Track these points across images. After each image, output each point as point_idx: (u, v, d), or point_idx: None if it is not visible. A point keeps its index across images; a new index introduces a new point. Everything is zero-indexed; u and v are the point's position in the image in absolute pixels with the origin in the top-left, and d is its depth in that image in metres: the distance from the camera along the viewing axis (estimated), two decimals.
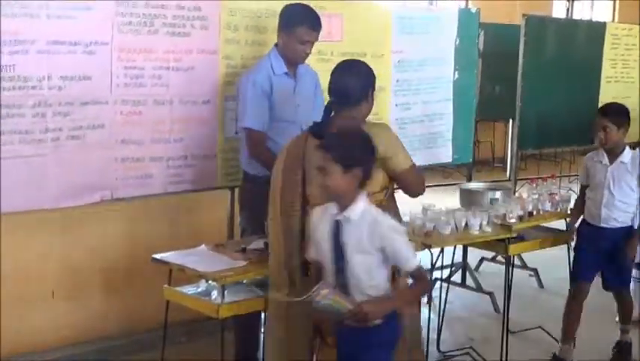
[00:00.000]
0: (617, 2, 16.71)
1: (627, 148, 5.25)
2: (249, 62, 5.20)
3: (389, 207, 3.94)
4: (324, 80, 5.05)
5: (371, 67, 4.12)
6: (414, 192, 4.11)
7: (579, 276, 5.50)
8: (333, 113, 4.04)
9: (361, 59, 4.31)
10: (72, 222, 5.11)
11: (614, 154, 5.24)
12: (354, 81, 3.99)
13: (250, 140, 4.76)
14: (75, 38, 4.46)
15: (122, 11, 4.65)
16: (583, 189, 5.55)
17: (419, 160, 6.53)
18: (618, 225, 5.29)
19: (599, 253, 5.38)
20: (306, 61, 4.95)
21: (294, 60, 4.83)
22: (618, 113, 5.25)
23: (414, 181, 4.06)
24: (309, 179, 3.93)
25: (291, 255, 3.99)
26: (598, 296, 5.79)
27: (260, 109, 4.72)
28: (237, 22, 5.18)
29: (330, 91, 4.05)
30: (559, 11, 15.77)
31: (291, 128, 4.69)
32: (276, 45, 4.86)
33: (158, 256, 4.32)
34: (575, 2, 16.30)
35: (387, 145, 3.86)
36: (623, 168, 5.22)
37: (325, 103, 4.13)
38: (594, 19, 15.21)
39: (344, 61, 4.21)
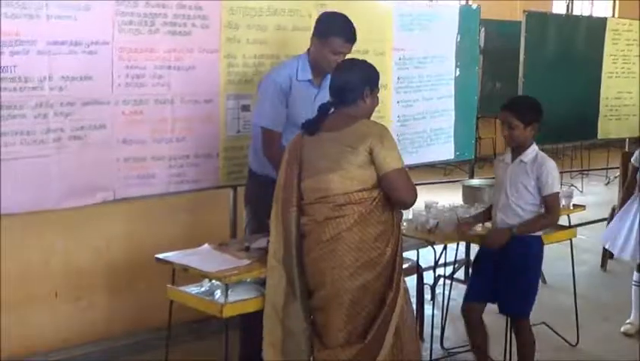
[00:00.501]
0: None
1: (533, 147, 4.73)
2: (250, 61, 5.19)
3: (370, 217, 3.90)
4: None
5: (373, 66, 4.12)
6: (401, 198, 3.94)
7: (467, 295, 4.95)
8: (332, 111, 4.05)
9: (363, 58, 4.30)
10: (74, 223, 5.09)
11: (517, 153, 4.74)
12: (349, 79, 4.01)
13: (265, 139, 4.72)
14: (76, 38, 4.44)
15: (122, 10, 4.63)
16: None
17: (420, 158, 6.59)
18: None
19: (495, 267, 4.78)
20: None
21: (322, 69, 4.73)
22: (526, 109, 4.73)
23: (401, 186, 3.91)
24: (304, 175, 3.98)
25: (289, 253, 4.02)
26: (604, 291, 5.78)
27: (277, 110, 4.68)
28: (238, 20, 5.15)
29: (329, 90, 4.09)
30: (559, 8, 15.75)
31: None
32: (308, 50, 4.78)
33: (161, 255, 4.30)
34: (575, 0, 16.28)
35: (376, 143, 3.84)
36: (522, 168, 4.69)
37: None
38: (594, 15, 15.19)
39: (345, 59, 4.23)
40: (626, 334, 5.89)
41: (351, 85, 4.00)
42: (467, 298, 4.91)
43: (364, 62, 4.16)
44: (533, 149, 4.72)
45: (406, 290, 4.19)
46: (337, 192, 3.88)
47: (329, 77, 4.72)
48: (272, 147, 4.68)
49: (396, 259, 3.99)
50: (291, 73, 4.74)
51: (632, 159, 5.96)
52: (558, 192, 4.71)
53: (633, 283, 5.90)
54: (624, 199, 5.92)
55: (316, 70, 4.76)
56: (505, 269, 4.69)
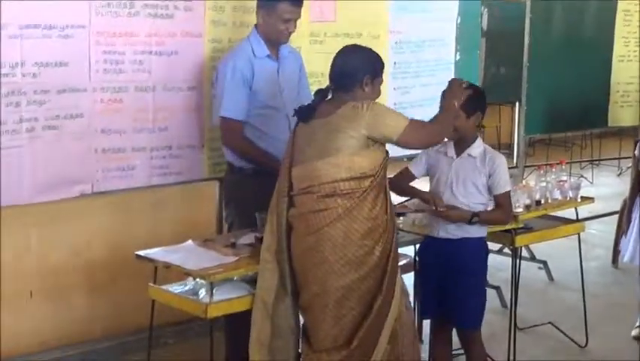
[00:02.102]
0: None
1: (479, 140, 4.58)
2: (236, 45, 5.18)
3: (357, 211, 3.91)
4: (320, 63, 5.08)
5: (377, 54, 4.15)
6: (426, 145, 4.30)
7: (423, 311, 4.79)
8: (329, 98, 4.08)
9: (356, 42, 4.34)
10: (50, 218, 5.10)
11: (462, 146, 4.55)
12: (349, 64, 4.05)
13: (224, 129, 4.76)
14: (50, 22, 4.44)
15: None
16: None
17: None
18: (459, 235, 4.53)
19: (440, 275, 4.60)
20: (300, 43, 4.94)
21: (276, 40, 4.79)
22: (468, 97, 4.41)
23: (417, 139, 4.09)
24: (294, 163, 4.01)
25: (281, 247, 4.05)
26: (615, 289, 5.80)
27: (237, 96, 4.69)
28: (223, 2, 5.17)
29: (329, 75, 4.11)
30: None
31: (276, 116, 4.70)
32: (256, 26, 4.82)
33: (142, 252, 4.31)
34: None
35: (370, 122, 3.87)
36: (471, 164, 4.52)
37: (321, 87, 4.17)
38: None
39: (349, 45, 4.25)
40: (637, 338, 5.90)
41: (351, 70, 4.03)
42: (424, 314, 4.82)
43: (368, 48, 4.20)
44: (480, 142, 4.59)
45: (405, 293, 4.22)
46: (324, 180, 3.89)
47: (284, 49, 4.83)
48: (232, 136, 4.74)
49: (388, 260, 3.98)
50: (248, 53, 4.76)
51: (635, 151, 5.96)
52: (509, 191, 4.64)
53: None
54: (632, 198, 5.96)
55: (270, 43, 4.80)
56: (450, 278, 4.55)
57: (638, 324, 5.95)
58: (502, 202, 4.57)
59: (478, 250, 4.64)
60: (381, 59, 4.16)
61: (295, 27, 4.80)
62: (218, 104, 4.78)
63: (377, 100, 4.13)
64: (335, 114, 3.93)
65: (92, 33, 4.63)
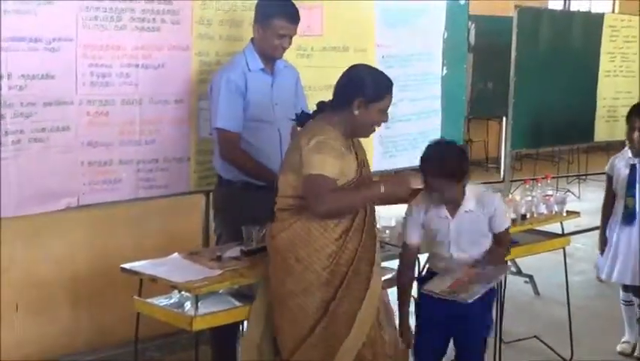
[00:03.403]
0: None
1: (467, 192, 4.25)
2: (223, 59, 5.19)
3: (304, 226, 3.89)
4: (307, 77, 5.11)
5: (381, 76, 4.01)
6: (309, 206, 3.83)
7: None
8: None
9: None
10: (36, 231, 5.10)
11: (454, 205, 4.27)
12: (342, 82, 3.99)
13: (222, 141, 4.77)
14: (36, 34, 4.44)
15: (86, 5, 4.62)
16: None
17: (406, 161, 6.63)
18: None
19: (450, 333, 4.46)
20: (285, 57, 4.96)
21: (270, 55, 4.82)
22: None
23: (307, 193, 3.82)
24: (281, 169, 4.03)
25: None
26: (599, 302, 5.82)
27: (233, 108, 4.71)
28: (211, 16, 5.18)
29: None
30: (555, 4, 15.81)
31: (267, 129, 4.72)
32: (252, 40, 4.86)
33: (127, 265, 4.31)
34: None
35: (305, 144, 3.83)
36: (470, 217, 4.26)
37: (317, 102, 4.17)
38: (593, 11, 15.26)
39: (359, 64, 4.15)
40: (622, 353, 5.92)
41: (344, 90, 3.96)
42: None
43: (375, 70, 4.09)
44: (470, 194, 4.27)
45: (389, 318, 4.23)
46: (280, 193, 3.97)
47: (279, 64, 4.86)
48: (230, 149, 4.74)
49: (340, 287, 3.90)
50: (243, 67, 4.78)
51: (606, 168, 5.98)
52: (510, 226, 4.58)
53: (622, 302, 5.94)
54: (604, 216, 5.94)
55: (264, 57, 4.82)
56: (462, 334, 4.38)
57: (624, 340, 5.96)
58: (504, 238, 4.41)
59: (490, 300, 4.48)
60: (383, 85, 3.98)
61: (290, 43, 4.82)
62: (213, 116, 4.79)
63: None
64: (301, 132, 3.98)
65: (79, 46, 4.63)
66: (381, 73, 4.06)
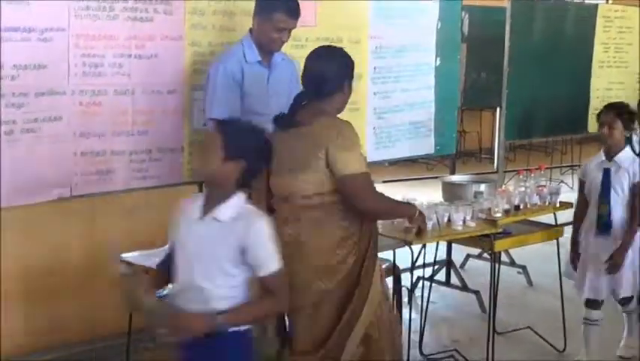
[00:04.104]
0: None
1: None
2: (216, 49, 5.19)
3: (328, 222, 3.92)
4: (299, 68, 5.07)
5: (349, 54, 4.11)
6: (359, 206, 3.90)
7: None
8: (305, 103, 4.05)
9: (338, 45, 4.33)
10: (28, 222, 5.09)
11: None
12: (327, 70, 3.98)
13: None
14: (29, 24, 4.42)
15: None
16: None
17: (399, 152, 6.64)
18: None
19: None
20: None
21: (268, 48, 4.80)
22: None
23: (356, 192, 3.87)
24: (272, 171, 4.00)
25: None
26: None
27: (228, 98, 4.70)
28: (204, 6, 5.16)
29: (303, 79, 4.07)
30: None
31: (264, 122, 4.68)
32: (251, 31, 4.84)
33: (121, 256, 4.31)
34: None
35: (334, 144, 3.83)
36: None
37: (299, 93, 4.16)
38: (586, 2, 15.26)
39: (320, 47, 4.21)
40: (621, 357, 5.82)
41: (331, 76, 3.97)
42: None
43: (341, 49, 4.15)
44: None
45: (386, 297, 4.22)
46: (297, 194, 3.92)
47: (277, 56, 4.82)
48: None
49: (361, 270, 3.98)
50: (239, 57, 4.77)
51: (578, 173, 5.85)
52: None
53: (583, 320, 5.58)
54: (576, 227, 5.61)
55: (262, 50, 4.81)
56: None
57: (623, 343, 5.92)
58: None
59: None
60: (352, 60, 4.09)
61: (289, 37, 4.80)
62: (209, 106, 4.78)
63: (354, 97, 4.20)
64: (312, 128, 3.91)
65: (71, 36, 4.62)
66: (345, 51, 4.13)
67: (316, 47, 4.20)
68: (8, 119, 4.40)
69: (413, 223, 4.33)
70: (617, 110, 5.41)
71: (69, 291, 5.38)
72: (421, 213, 4.29)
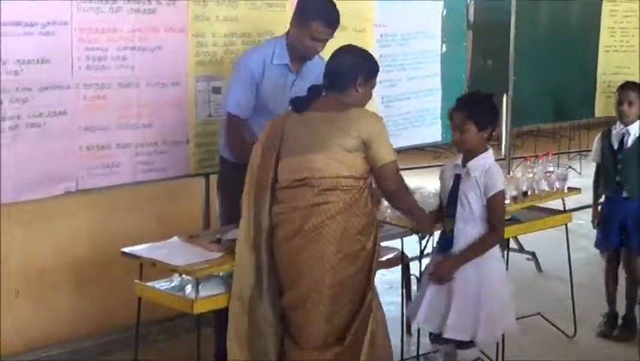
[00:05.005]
0: None
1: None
2: (220, 40, 5.19)
3: (355, 206, 3.94)
4: None
5: (373, 57, 4.21)
6: (389, 188, 4.11)
7: None
8: (324, 94, 4.09)
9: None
10: (35, 217, 5.06)
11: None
12: (343, 64, 4.08)
13: (228, 125, 4.76)
14: (31, 19, 4.41)
15: None
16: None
17: (406, 140, 6.61)
18: None
19: None
20: None
21: (301, 55, 4.73)
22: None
23: (393, 177, 4.07)
24: (284, 153, 4.00)
25: (258, 242, 4.03)
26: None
27: (243, 94, 4.68)
28: None
29: (325, 72, 4.15)
30: None
31: None
32: (287, 33, 4.76)
33: (127, 249, 4.30)
34: None
35: (372, 132, 3.93)
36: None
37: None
38: None
39: (346, 45, 4.24)
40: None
41: (345, 70, 4.06)
42: None
43: (364, 50, 4.23)
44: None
45: (375, 292, 4.21)
46: (324, 174, 3.89)
47: (310, 64, 4.75)
48: (233, 134, 4.72)
49: (374, 255, 4.03)
50: (266, 56, 4.72)
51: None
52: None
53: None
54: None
55: (294, 55, 4.74)
56: None
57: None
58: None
59: None
60: (376, 63, 4.20)
61: (323, 48, 4.68)
62: (226, 98, 4.82)
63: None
64: (339, 113, 3.95)
65: (74, 29, 4.60)
66: (369, 52, 4.25)
67: None
68: (13, 115, 4.39)
69: (414, 227, 4.55)
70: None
71: (77, 285, 5.36)
72: (425, 222, 4.45)
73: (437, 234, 4.58)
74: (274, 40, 4.83)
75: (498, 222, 4.35)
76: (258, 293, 4.05)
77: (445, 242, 4.42)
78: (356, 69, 4.06)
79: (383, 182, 4.05)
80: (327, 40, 4.68)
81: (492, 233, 4.33)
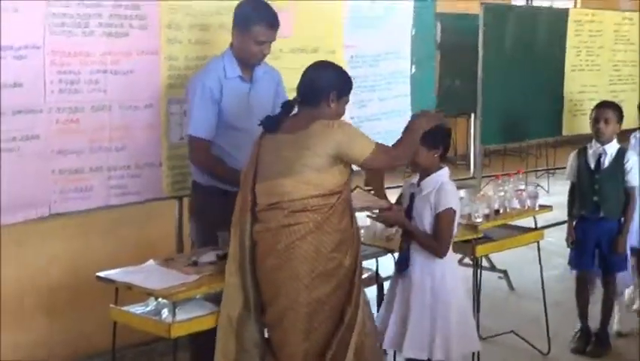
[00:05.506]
0: None
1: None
2: (193, 63, 5.17)
3: (327, 224, 3.94)
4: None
5: (346, 73, 4.24)
6: (389, 167, 4.35)
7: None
8: (296, 112, 4.11)
9: (313, 56, 4.36)
10: (8, 241, 5.01)
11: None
12: (316, 79, 4.08)
13: (192, 148, 4.74)
14: (4, 42, 4.37)
15: (53, 12, 4.57)
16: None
17: None
18: None
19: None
20: None
21: (249, 62, 4.75)
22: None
23: (379, 164, 4.15)
24: (258, 178, 4.01)
25: (243, 262, 4.04)
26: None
27: (205, 115, 4.66)
28: (179, 20, 5.13)
29: (297, 87, 4.15)
30: None
31: (243, 137, 4.63)
32: (231, 45, 4.79)
33: (102, 273, 4.27)
34: None
35: (339, 142, 3.91)
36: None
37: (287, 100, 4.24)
38: (555, 6, 15.36)
39: (319, 61, 4.32)
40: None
41: (318, 85, 4.06)
42: None
43: (338, 66, 4.27)
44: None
45: (367, 304, 4.21)
46: (292, 197, 3.90)
47: (259, 70, 4.79)
48: (198, 155, 4.72)
49: (356, 272, 4.03)
50: (219, 73, 4.72)
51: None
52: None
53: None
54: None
55: (243, 64, 4.76)
56: None
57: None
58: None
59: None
60: (350, 80, 4.22)
61: (269, 50, 4.75)
62: (187, 122, 4.78)
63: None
64: (304, 131, 3.93)
65: (47, 53, 4.57)
66: (343, 69, 4.30)
67: (291, 57, 4.29)
68: None
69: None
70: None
71: (52, 310, 5.33)
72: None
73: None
74: (220, 56, 4.82)
75: (441, 240, 4.39)
76: (247, 313, 4.05)
77: (401, 260, 4.50)
78: (329, 85, 4.06)
79: (375, 169, 4.22)
80: (270, 42, 4.73)
81: (436, 249, 4.40)
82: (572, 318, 6.03)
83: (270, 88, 4.92)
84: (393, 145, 4.24)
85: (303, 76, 4.13)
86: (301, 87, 4.11)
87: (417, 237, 4.42)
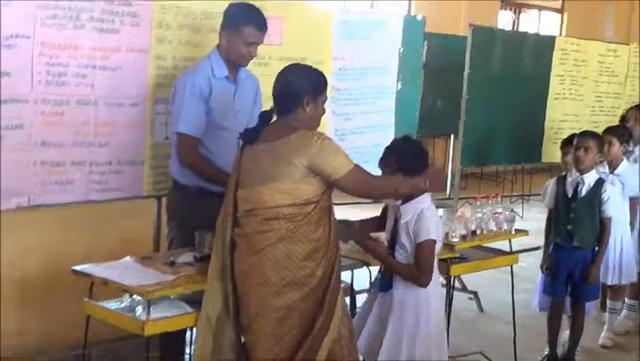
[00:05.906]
0: (565, 15, 17.05)
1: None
2: (181, 63, 5.18)
3: (299, 233, 3.93)
4: (264, 86, 5.10)
5: (318, 71, 4.14)
6: (361, 195, 4.15)
7: None
8: (273, 122, 4.08)
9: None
10: None
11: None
12: (288, 85, 4.03)
13: (181, 146, 4.73)
14: None
15: (45, 3, 4.58)
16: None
17: None
18: None
19: None
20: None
21: (237, 62, 4.78)
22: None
23: (353, 188, 4.00)
24: (239, 185, 4.01)
25: (224, 265, 4.04)
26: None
27: (196, 113, 4.67)
28: (170, 20, 5.15)
29: (273, 95, 4.10)
30: (505, 22, 15.97)
31: (227, 137, 4.66)
32: (218, 46, 4.81)
33: (78, 267, 4.26)
34: (522, 14, 16.57)
35: (313, 154, 3.87)
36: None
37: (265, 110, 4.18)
38: (541, 33, 15.48)
39: (289, 65, 4.22)
40: None
41: (290, 92, 4.02)
42: None
43: (308, 67, 4.19)
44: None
45: (347, 314, 4.22)
46: (266, 205, 3.91)
47: (242, 72, 4.82)
48: (189, 154, 4.71)
49: (330, 282, 4.02)
50: (207, 72, 4.74)
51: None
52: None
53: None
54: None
55: (229, 64, 4.79)
56: None
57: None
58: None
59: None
60: (323, 76, 4.13)
61: (256, 52, 4.78)
62: (175, 120, 4.76)
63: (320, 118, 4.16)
64: (282, 140, 3.92)
65: (36, 44, 4.58)
66: (313, 68, 4.18)
67: (280, 65, 4.25)
68: None
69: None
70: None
71: (25, 301, 5.31)
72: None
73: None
74: (207, 57, 4.83)
75: (423, 270, 4.38)
76: (226, 315, 4.05)
77: (385, 282, 4.48)
78: (301, 90, 4.00)
79: (347, 192, 4.02)
80: (258, 44, 4.76)
81: (417, 279, 4.38)
82: (539, 342, 6.07)
83: (252, 91, 4.97)
84: (379, 176, 4.26)
85: (275, 83, 4.07)
86: (274, 97, 4.07)
87: (397, 272, 4.43)
